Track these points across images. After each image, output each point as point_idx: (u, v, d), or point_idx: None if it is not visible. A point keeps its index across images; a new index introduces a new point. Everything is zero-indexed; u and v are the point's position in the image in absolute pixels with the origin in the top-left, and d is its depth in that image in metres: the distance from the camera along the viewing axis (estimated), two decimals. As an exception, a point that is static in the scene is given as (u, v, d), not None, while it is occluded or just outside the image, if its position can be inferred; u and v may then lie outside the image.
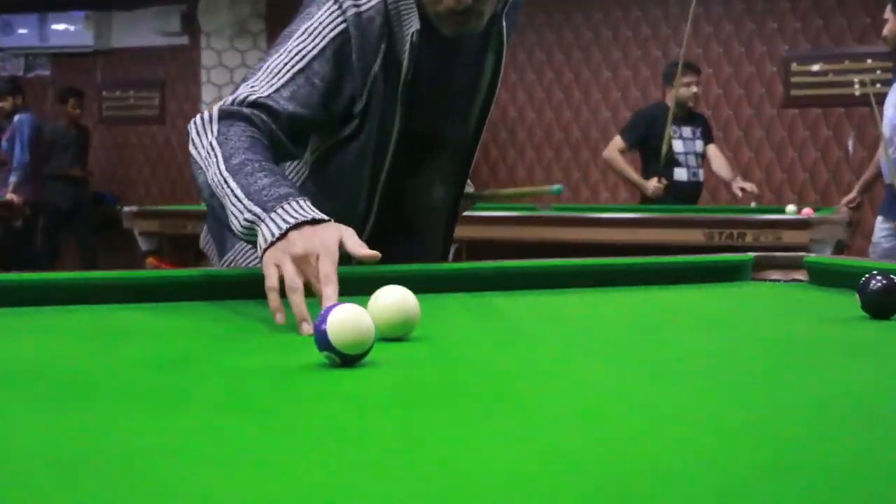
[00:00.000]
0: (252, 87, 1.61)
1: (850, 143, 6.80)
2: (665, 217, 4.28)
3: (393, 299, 1.16)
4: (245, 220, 1.39)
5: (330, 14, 1.67)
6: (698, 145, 5.72)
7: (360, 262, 1.33)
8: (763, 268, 1.95)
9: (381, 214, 1.80)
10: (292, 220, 1.34)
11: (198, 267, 5.10)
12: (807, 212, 4.47)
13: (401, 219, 1.89)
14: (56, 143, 8.03)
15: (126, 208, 5.07)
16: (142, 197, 9.30)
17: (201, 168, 1.51)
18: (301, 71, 1.64)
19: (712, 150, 5.82)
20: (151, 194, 9.30)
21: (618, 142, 5.84)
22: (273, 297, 1.27)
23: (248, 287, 1.49)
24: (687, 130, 5.68)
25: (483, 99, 1.90)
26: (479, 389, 0.96)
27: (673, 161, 5.58)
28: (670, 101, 5.49)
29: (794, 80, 6.99)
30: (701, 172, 5.71)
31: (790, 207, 4.97)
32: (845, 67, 6.80)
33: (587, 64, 7.65)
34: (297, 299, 1.25)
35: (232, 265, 1.90)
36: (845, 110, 6.82)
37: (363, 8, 1.68)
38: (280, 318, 1.25)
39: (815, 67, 6.94)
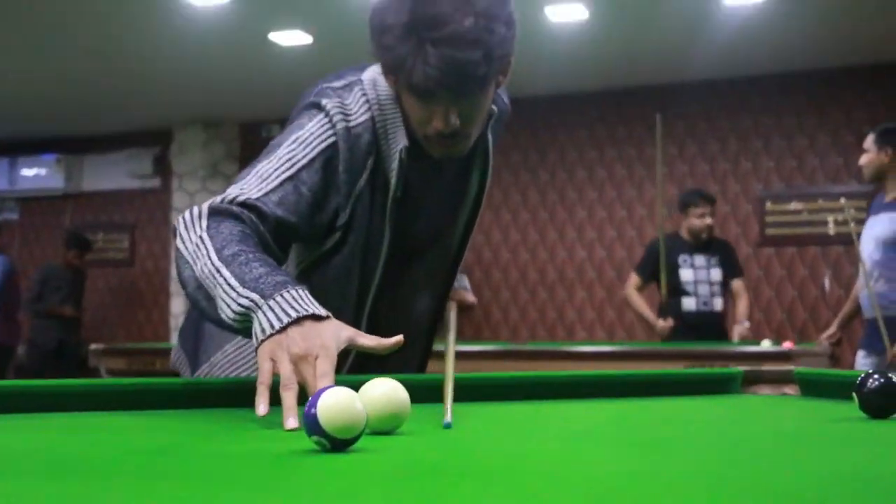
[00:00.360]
0: (242, 188, 1.63)
1: (827, 282, 6.91)
2: (643, 350, 4.29)
3: (382, 391, 1.16)
4: (239, 306, 1.38)
5: (321, 126, 1.71)
6: (714, 274, 5.67)
7: (378, 352, 1.36)
8: (751, 383, 1.96)
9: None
10: (293, 314, 1.33)
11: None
12: (787, 345, 4.49)
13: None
14: (48, 282, 8.13)
15: (93, 346, 5.01)
16: (109, 340, 9.23)
17: (188, 262, 1.51)
18: (290, 178, 1.66)
19: (737, 285, 5.76)
20: (118, 338, 9.23)
21: (633, 278, 5.94)
22: (262, 391, 1.26)
23: (233, 396, 1.48)
24: (700, 259, 5.68)
25: (468, 214, 1.94)
26: (474, 479, 0.95)
27: (680, 291, 5.64)
28: (685, 231, 5.63)
29: (768, 219, 7.16)
30: (717, 301, 5.64)
31: (765, 343, 4.98)
32: (819, 206, 6.98)
33: (579, 203, 7.80)
34: (291, 398, 1.23)
35: (235, 355, 1.89)
36: (821, 249, 6.97)
37: (352, 123, 1.72)
38: (262, 409, 1.23)
39: (790, 206, 7.11)
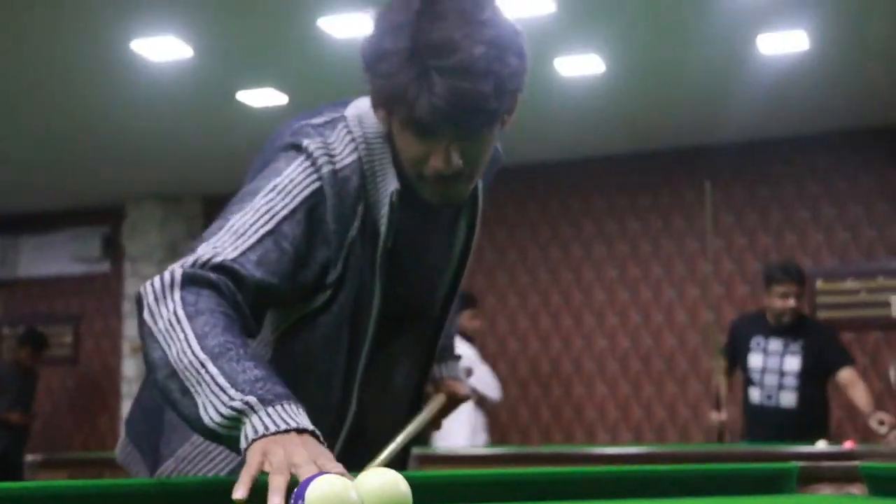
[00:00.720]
0: (215, 247, 1.62)
1: (893, 372, 6.86)
2: (679, 452, 4.25)
3: (382, 483, 1.14)
4: (230, 409, 1.39)
5: (302, 170, 1.72)
6: (789, 363, 5.55)
7: None
8: (809, 481, 1.95)
9: (359, 403, 1.82)
10: (295, 424, 1.37)
11: None
12: (849, 444, 4.44)
13: (370, 408, 1.89)
14: None
15: (30, 457, 4.95)
16: (50, 449, 9.16)
17: (158, 343, 1.50)
18: (269, 232, 1.67)
19: (845, 375, 5.55)
20: (58, 448, 9.15)
21: (722, 362, 5.85)
22: (245, 478, 1.27)
23: (215, 496, 1.45)
24: (775, 344, 5.59)
25: (454, 270, 1.98)
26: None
27: (749, 380, 5.61)
28: (768, 311, 5.60)
29: (820, 300, 7.16)
30: (786, 396, 5.54)
31: (820, 444, 4.87)
32: (880, 285, 6.99)
33: (598, 282, 7.82)
34: (281, 481, 1.24)
35: (173, 476, 1.86)
36: (883, 334, 6.94)
37: (339, 165, 1.74)
38: (241, 493, 1.24)
39: (846, 285, 7.12)
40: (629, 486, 1.81)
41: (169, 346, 1.48)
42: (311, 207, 1.71)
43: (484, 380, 6.72)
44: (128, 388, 8.84)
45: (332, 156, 1.75)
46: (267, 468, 1.29)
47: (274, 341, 1.83)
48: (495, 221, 7.69)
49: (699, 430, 7.31)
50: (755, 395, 5.62)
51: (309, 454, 1.30)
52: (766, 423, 5.56)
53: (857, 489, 1.88)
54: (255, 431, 1.35)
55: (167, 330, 1.50)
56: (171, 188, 8.68)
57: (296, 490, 0.98)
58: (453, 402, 2.23)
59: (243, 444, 1.36)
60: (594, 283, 7.79)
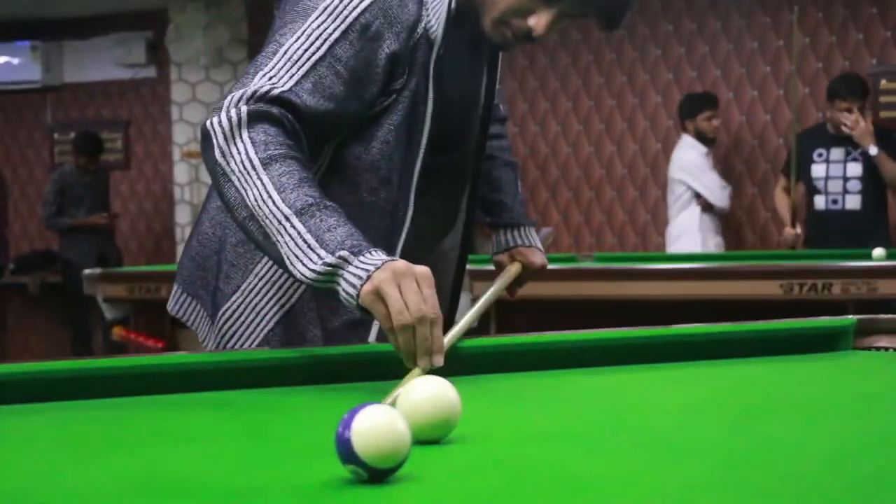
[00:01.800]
0: (271, 77, 1.70)
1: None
2: (731, 268, 4.25)
3: (430, 394, 1.15)
4: (326, 263, 1.54)
5: None
6: (851, 168, 5.88)
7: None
8: (867, 333, 1.95)
9: (415, 212, 1.91)
10: (387, 258, 1.53)
11: (174, 337, 5.02)
12: None
13: (422, 237, 2.00)
14: (66, 192, 8.26)
15: (87, 271, 5.07)
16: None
17: (232, 183, 1.64)
18: (322, 58, 1.74)
19: (881, 156, 5.80)
20: (130, 251, 9.38)
21: (781, 179, 6.29)
22: (406, 338, 1.46)
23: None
24: (837, 152, 5.90)
25: (483, 109, 2.07)
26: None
27: (813, 189, 5.96)
28: (829, 123, 5.92)
29: (883, 99, 7.00)
30: (851, 199, 5.89)
31: (878, 251, 4.90)
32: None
33: (652, 84, 7.70)
34: (423, 330, 1.46)
35: (235, 315, 1.94)
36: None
37: None
38: (438, 360, 1.47)
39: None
40: (682, 349, 1.82)
41: (245, 189, 1.62)
42: (365, 24, 1.76)
43: (708, 186, 6.72)
44: (180, 193, 8.96)
45: None
46: (392, 320, 1.46)
47: (332, 152, 1.89)
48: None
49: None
50: (820, 202, 5.98)
51: (413, 288, 1.48)
52: (831, 227, 5.91)
53: None
54: (359, 277, 1.51)
55: (242, 172, 1.63)
56: (214, -10, 8.55)
57: (344, 418, 0.99)
58: (529, 273, 2.24)
59: (349, 295, 1.52)
60: (649, 83, 7.67)
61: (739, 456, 1.11)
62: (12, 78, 9.39)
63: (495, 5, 1.81)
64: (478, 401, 1.39)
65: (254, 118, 1.66)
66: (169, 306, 2.13)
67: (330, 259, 1.53)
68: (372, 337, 1.89)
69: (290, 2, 1.84)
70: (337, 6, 1.75)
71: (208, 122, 1.67)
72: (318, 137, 1.80)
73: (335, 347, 1.73)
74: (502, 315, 4.35)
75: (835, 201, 5.97)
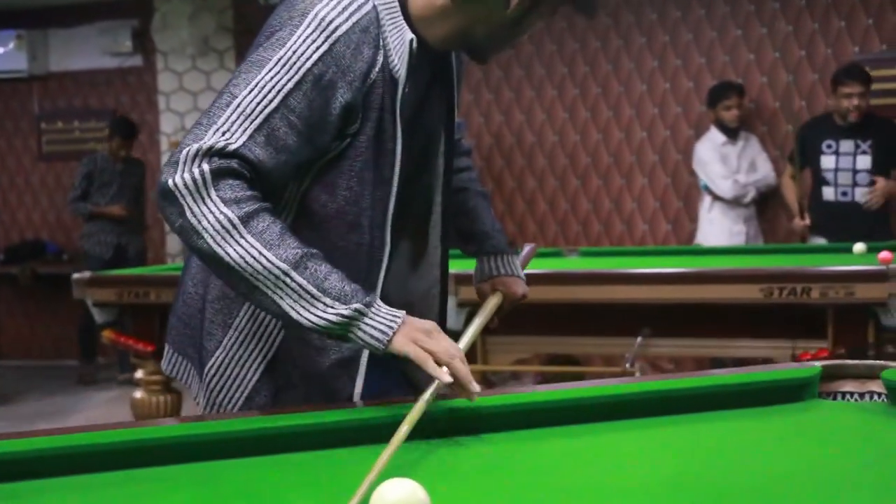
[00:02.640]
0: (224, 133, 1.78)
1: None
2: (713, 272, 4.30)
3: (400, 498, 1.22)
4: (340, 315, 1.75)
5: (307, 38, 1.82)
6: (861, 161, 6.15)
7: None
8: (832, 378, 2.01)
9: (393, 249, 2.00)
10: (400, 315, 1.78)
11: (163, 341, 5.08)
12: (884, 256, 4.43)
13: (406, 258, 2.14)
14: (93, 177, 8.20)
15: (76, 275, 5.10)
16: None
17: (205, 240, 1.75)
18: (276, 110, 1.80)
19: None
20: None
21: (788, 167, 6.56)
22: (460, 365, 1.74)
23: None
24: (847, 144, 6.16)
25: (446, 126, 2.15)
26: None
27: (821, 179, 6.22)
28: (836, 113, 6.16)
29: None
30: (859, 191, 6.14)
31: (858, 247, 4.99)
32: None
33: (617, 75, 7.75)
34: (463, 366, 1.73)
35: (220, 370, 2.02)
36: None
37: (356, 18, 1.84)
38: (475, 389, 1.74)
39: (893, 72, 7.01)
40: (640, 406, 1.86)
41: (226, 247, 1.74)
42: (319, 74, 1.82)
43: (711, 177, 6.89)
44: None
45: (343, 9, 1.84)
46: (434, 357, 1.73)
47: (301, 193, 1.95)
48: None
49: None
50: (829, 193, 6.24)
51: (436, 338, 1.77)
52: (839, 218, 6.15)
53: (877, 385, 1.94)
54: (384, 330, 1.76)
55: (219, 232, 1.74)
56: (198, -21, 8.57)
57: None
58: (509, 302, 2.31)
59: (376, 341, 1.76)
60: (634, 71, 7.71)
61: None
62: (-1, 67, 9.43)
63: (501, 20, 1.95)
64: (445, 474, 1.47)
65: (217, 175, 1.75)
66: (162, 366, 2.21)
67: (345, 311, 1.74)
68: (358, 388, 1.97)
69: (253, 46, 1.92)
70: (290, 57, 1.81)
71: (170, 182, 1.74)
72: (275, 185, 1.86)
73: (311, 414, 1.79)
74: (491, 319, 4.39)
75: (844, 193, 6.20)
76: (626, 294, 4.25)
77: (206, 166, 1.74)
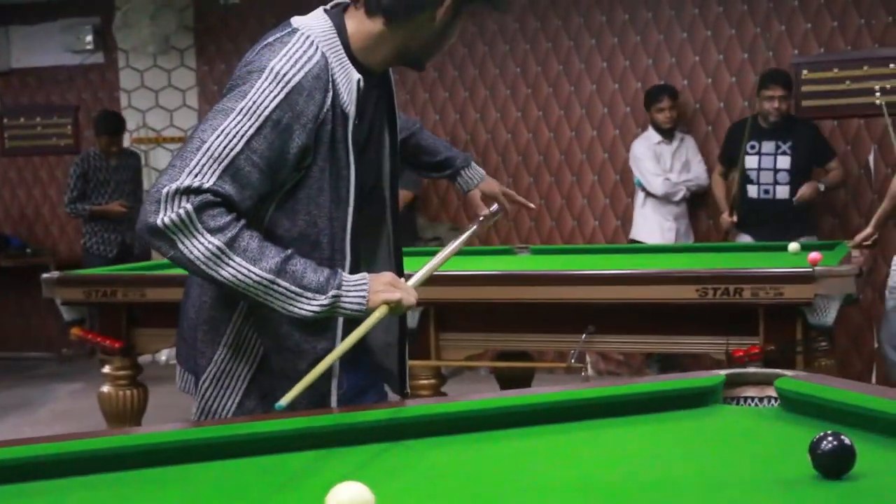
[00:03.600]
0: (196, 174, 2.05)
1: (872, 160, 7.13)
2: (653, 273, 4.49)
3: (349, 499, 1.45)
4: (321, 306, 2.12)
5: (264, 90, 2.11)
6: (781, 161, 6.56)
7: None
8: (735, 385, 2.23)
9: (353, 256, 2.30)
10: (367, 278, 2.17)
11: (130, 337, 5.17)
12: (813, 257, 4.63)
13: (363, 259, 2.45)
14: (88, 176, 8.15)
15: (44, 275, 5.21)
16: (55, 238, 9.54)
17: (199, 267, 2.06)
18: (241, 152, 2.08)
19: (833, 165, 6.75)
20: (67, 234, 9.53)
21: (718, 166, 7.00)
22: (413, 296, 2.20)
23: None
24: (769, 145, 6.57)
25: (390, 144, 2.45)
26: None
27: (745, 178, 6.57)
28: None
29: (805, 88, 7.34)
30: (781, 190, 6.56)
31: (793, 246, 5.17)
32: (864, 73, 7.17)
33: (567, 75, 7.97)
34: (413, 294, 2.21)
35: (212, 383, 2.31)
36: (864, 122, 7.16)
37: (307, 68, 2.13)
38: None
39: (830, 74, 7.29)
40: (558, 412, 2.06)
41: (219, 269, 2.06)
42: (277, 120, 2.10)
43: (643, 174, 7.21)
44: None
45: (296, 62, 2.12)
46: (395, 301, 2.15)
47: (268, 219, 2.23)
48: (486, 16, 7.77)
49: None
50: (753, 191, 6.64)
51: (391, 283, 2.18)
52: (763, 214, 6.57)
53: (773, 391, 2.15)
54: (361, 297, 2.14)
55: (210, 258, 2.05)
56: (159, -22, 8.68)
57: None
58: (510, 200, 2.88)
59: (357, 310, 2.14)
60: (585, 73, 7.93)
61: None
62: (-41, 64, 9.48)
63: (437, 49, 2.33)
64: (388, 483, 1.71)
65: (199, 210, 2.04)
66: (177, 385, 2.49)
67: (325, 301, 2.11)
68: (333, 386, 2.31)
69: (219, 98, 2.19)
70: (251, 107, 2.09)
71: (158, 221, 2.03)
72: (244, 215, 2.14)
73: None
74: (442, 315, 4.57)
75: (766, 191, 6.60)
76: (572, 294, 4.41)
77: (187, 205, 2.02)
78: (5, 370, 9.07)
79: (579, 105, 7.94)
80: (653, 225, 7.13)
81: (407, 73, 8.10)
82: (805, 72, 7.34)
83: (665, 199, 7.12)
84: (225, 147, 2.07)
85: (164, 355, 7.81)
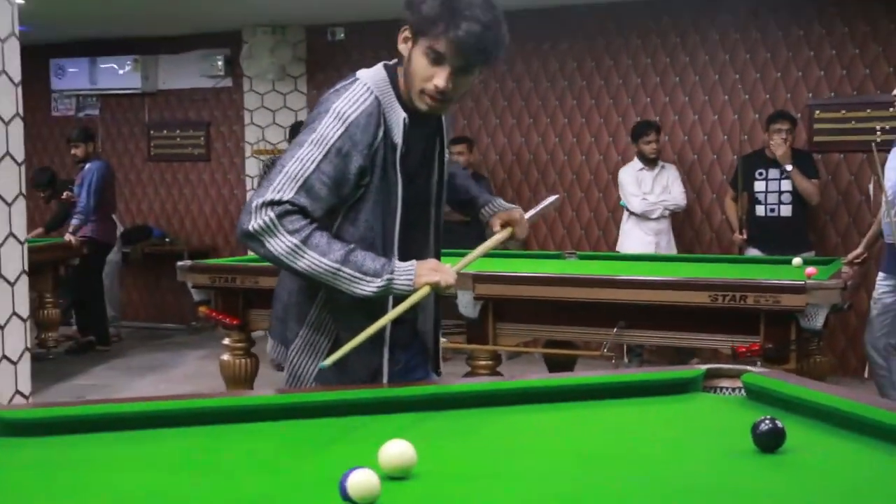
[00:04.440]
0: (279, 191, 2.28)
1: (871, 188, 7.17)
2: (674, 280, 4.59)
3: (396, 451, 1.66)
4: (378, 287, 2.28)
5: (330, 125, 2.32)
6: (784, 185, 6.72)
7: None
8: (713, 377, 2.39)
9: (402, 256, 2.45)
10: (413, 265, 2.32)
11: (246, 316, 5.35)
12: (810, 271, 4.75)
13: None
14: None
15: (179, 263, 5.46)
16: (188, 231, 9.87)
17: (282, 262, 2.28)
18: (313, 172, 2.30)
19: (794, 172, 6.73)
20: (198, 227, 9.87)
21: (730, 191, 7.11)
22: (451, 275, 2.35)
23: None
24: (774, 172, 6.74)
25: (438, 171, 2.58)
26: None
27: (755, 200, 6.82)
28: (768, 147, 6.72)
29: (817, 126, 7.40)
30: (784, 208, 6.73)
31: (797, 260, 5.29)
32: (867, 115, 7.21)
33: (616, 108, 8.11)
34: (452, 273, 2.35)
35: (299, 352, 2.50)
36: (867, 156, 7.19)
37: (362, 107, 2.33)
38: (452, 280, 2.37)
39: (839, 115, 7.34)
40: (538, 396, 2.22)
41: (297, 261, 2.25)
42: (339, 147, 2.31)
43: (627, 197, 7.29)
44: (250, 182, 9.42)
45: (353, 103, 2.32)
46: (435, 282, 2.30)
47: (336, 227, 2.42)
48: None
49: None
50: (761, 210, 6.79)
51: (433, 269, 2.32)
52: (769, 230, 6.72)
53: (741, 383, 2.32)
54: (409, 279, 2.29)
55: (291, 253, 2.25)
56: (278, 19, 8.89)
57: (341, 479, 1.51)
58: (519, 228, 2.77)
59: (407, 288, 2.30)
60: (594, 108, 8.07)
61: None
62: (119, 85, 9.85)
63: (412, 84, 2.34)
64: (426, 441, 1.93)
65: (280, 217, 2.25)
66: (270, 356, 2.66)
67: (381, 282, 2.28)
68: (385, 357, 2.49)
69: (302, 130, 2.39)
70: (320, 139, 2.31)
71: (250, 226, 2.26)
72: (314, 220, 2.31)
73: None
74: (499, 308, 4.73)
75: (772, 210, 6.76)
76: (607, 295, 4.52)
77: (271, 213, 2.25)
78: (147, 337, 9.35)
79: (625, 134, 8.05)
80: (634, 239, 7.20)
81: (480, 102, 8.32)
82: (817, 112, 7.39)
83: (643, 216, 7.20)
84: (300, 170, 2.28)
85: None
